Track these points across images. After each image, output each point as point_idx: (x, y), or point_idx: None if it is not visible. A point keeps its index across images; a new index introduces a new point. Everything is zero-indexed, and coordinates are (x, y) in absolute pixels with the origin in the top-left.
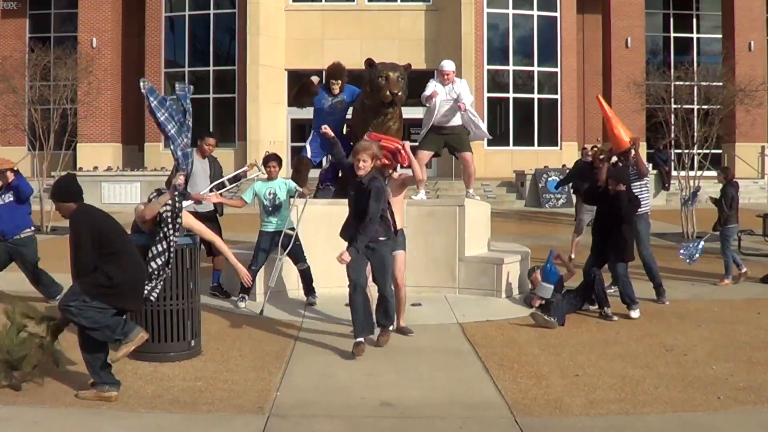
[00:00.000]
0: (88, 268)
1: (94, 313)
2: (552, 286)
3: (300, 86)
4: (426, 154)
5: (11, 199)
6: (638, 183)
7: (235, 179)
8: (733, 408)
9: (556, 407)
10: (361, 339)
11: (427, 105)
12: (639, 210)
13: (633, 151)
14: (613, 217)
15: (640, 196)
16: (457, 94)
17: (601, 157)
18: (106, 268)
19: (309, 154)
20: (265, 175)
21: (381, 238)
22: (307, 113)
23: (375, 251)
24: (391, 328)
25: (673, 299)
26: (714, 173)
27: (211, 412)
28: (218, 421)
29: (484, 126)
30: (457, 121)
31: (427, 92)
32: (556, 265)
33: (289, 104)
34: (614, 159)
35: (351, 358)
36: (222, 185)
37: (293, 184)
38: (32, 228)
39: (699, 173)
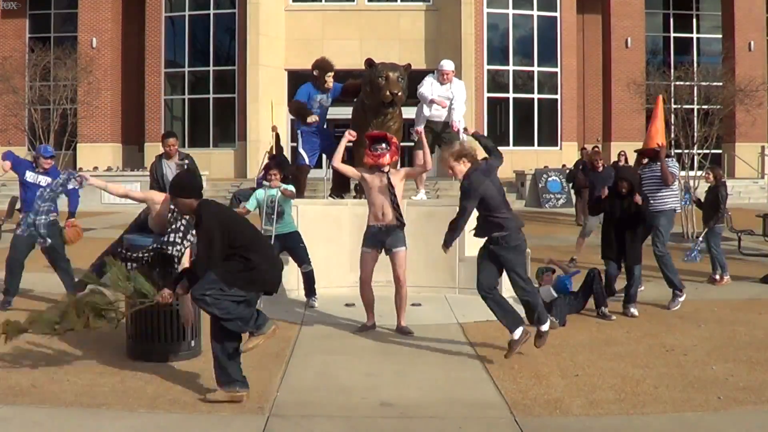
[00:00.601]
0: (218, 261)
1: (229, 304)
2: (555, 295)
3: (295, 112)
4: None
5: (44, 186)
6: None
7: None
8: (733, 408)
9: (556, 407)
10: (521, 330)
11: (425, 104)
12: (665, 206)
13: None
14: (632, 219)
15: (668, 193)
16: (453, 96)
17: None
18: (242, 253)
19: (307, 161)
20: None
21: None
22: None
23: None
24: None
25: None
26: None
27: (211, 412)
28: (218, 421)
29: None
30: (448, 116)
31: (426, 94)
32: (551, 267)
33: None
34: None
35: (352, 356)
36: None
37: (289, 186)
38: (56, 213)
39: (699, 173)
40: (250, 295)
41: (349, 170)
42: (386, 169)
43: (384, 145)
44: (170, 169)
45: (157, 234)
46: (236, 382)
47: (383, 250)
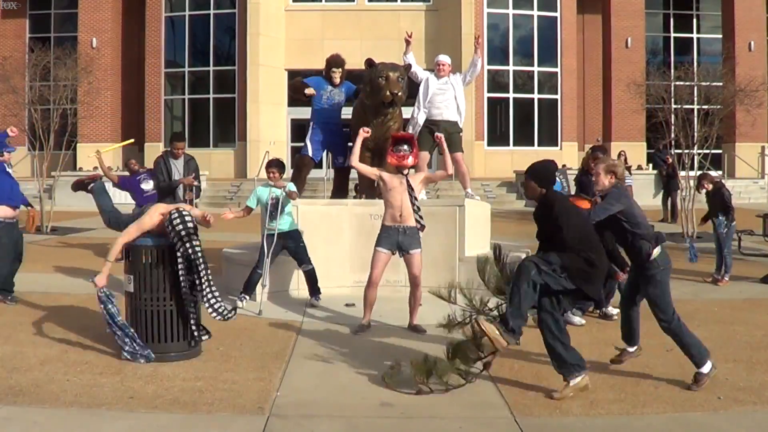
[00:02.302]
0: (573, 244)
1: (550, 279)
2: None
3: (292, 88)
4: (425, 156)
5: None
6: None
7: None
8: (733, 408)
9: (556, 407)
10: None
11: (420, 106)
12: None
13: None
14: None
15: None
16: (454, 88)
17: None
18: (587, 254)
19: (310, 152)
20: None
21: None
22: (308, 112)
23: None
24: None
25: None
26: (715, 173)
27: (211, 412)
28: (218, 422)
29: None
30: (450, 115)
31: (417, 71)
32: None
33: (290, 104)
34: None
35: (352, 356)
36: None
37: (292, 187)
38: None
39: (699, 173)
40: (568, 286)
41: (367, 170)
42: (406, 171)
43: (406, 147)
44: (177, 168)
45: (156, 235)
46: (574, 371)
47: (399, 252)
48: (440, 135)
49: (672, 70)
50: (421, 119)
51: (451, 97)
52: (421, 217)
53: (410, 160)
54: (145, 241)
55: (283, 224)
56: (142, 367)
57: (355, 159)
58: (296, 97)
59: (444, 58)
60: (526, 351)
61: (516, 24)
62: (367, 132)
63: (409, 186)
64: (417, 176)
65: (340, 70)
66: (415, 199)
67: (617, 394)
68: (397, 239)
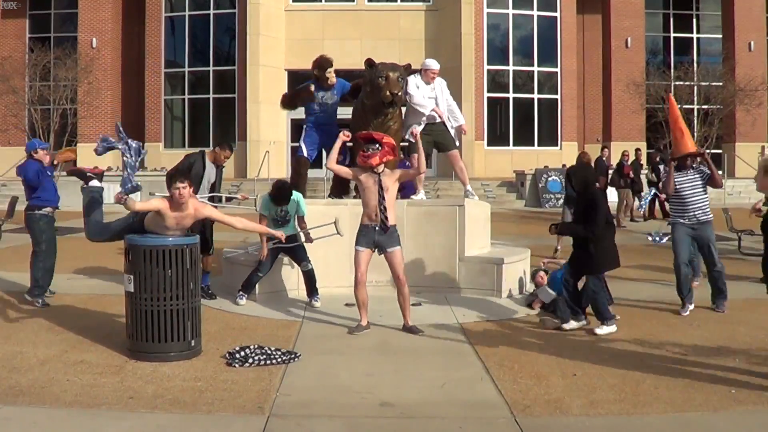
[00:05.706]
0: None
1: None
2: (554, 294)
3: (298, 90)
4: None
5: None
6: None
7: (227, 200)
8: (733, 408)
9: (556, 407)
10: None
11: (412, 104)
12: (703, 217)
13: (699, 159)
14: None
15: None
16: (435, 96)
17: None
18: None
19: (305, 153)
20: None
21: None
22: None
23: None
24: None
25: (673, 299)
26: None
27: (211, 412)
28: (218, 422)
29: (459, 114)
30: (437, 117)
31: (415, 97)
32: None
33: (282, 106)
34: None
35: (352, 356)
36: (213, 199)
37: (303, 206)
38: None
39: None
40: None
41: (342, 170)
42: (379, 169)
43: (376, 146)
44: (211, 171)
45: (155, 233)
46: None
47: (377, 250)
48: (415, 131)
49: (672, 70)
50: (423, 120)
51: (440, 100)
52: (386, 217)
53: (375, 159)
54: (145, 241)
55: (286, 230)
56: (142, 367)
57: (330, 161)
58: (295, 103)
59: (435, 66)
60: (526, 351)
61: (516, 24)
62: (347, 136)
63: (380, 185)
64: (392, 175)
65: (333, 69)
66: (383, 198)
67: (617, 394)
68: (373, 238)
